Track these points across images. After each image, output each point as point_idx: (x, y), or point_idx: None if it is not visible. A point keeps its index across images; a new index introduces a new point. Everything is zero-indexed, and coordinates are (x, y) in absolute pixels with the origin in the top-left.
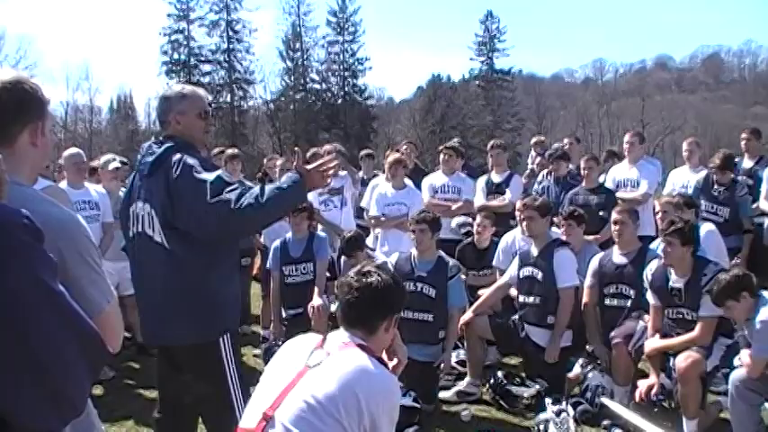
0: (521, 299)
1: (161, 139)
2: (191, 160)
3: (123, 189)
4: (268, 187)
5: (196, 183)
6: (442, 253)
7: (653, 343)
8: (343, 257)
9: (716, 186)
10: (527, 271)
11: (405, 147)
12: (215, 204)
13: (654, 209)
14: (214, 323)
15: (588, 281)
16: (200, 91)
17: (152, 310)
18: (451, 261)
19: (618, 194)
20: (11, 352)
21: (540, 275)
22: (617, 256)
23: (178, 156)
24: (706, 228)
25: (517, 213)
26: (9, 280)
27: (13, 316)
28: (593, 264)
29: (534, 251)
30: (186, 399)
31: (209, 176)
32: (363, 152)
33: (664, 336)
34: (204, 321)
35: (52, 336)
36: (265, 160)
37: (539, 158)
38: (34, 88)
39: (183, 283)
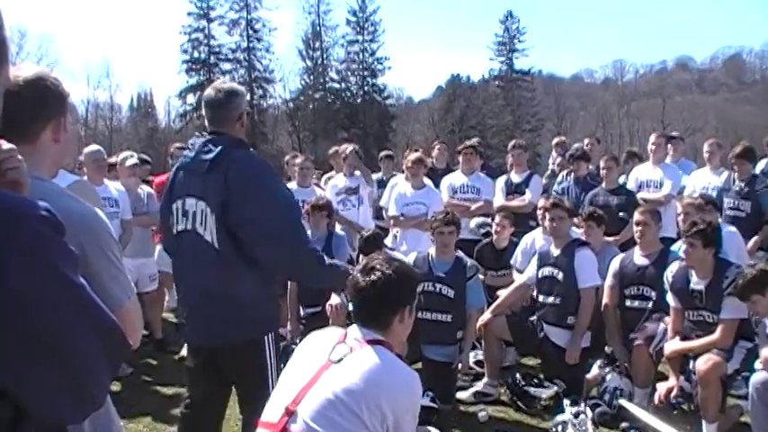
0: (540, 299)
1: (212, 136)
2: (261, 166)
3: (142, 186)
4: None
5: (273, 199)
6: (460, 253)
7: (673, 345)
8: (361, 256)
9: (737, 182)
10: (547, 271)
11: (438, 146)
12: (292, 234)
13: (676, 210)
14: (262, 322)
15: (609, 281)
16: None
17: (201, 309)
18: (470, 261)
19: (640, 195)
20: (30, 344)
21: (560, 275)
22: (638, 258)
23: (241, 152)
24: (727, 229)
25: (539, 212)
26: (28, 272)
27: (32, 308)
28: (614, 264)
29: (555, 251)
30: (219, 398)
31: (288, 200)
32: (383, 153)
33: (684, 338)
34: (253, 321)
35: (72, 328)
36: (287, 157)
37: (559, 159)
38: (55, 84)
39: (233, 283)
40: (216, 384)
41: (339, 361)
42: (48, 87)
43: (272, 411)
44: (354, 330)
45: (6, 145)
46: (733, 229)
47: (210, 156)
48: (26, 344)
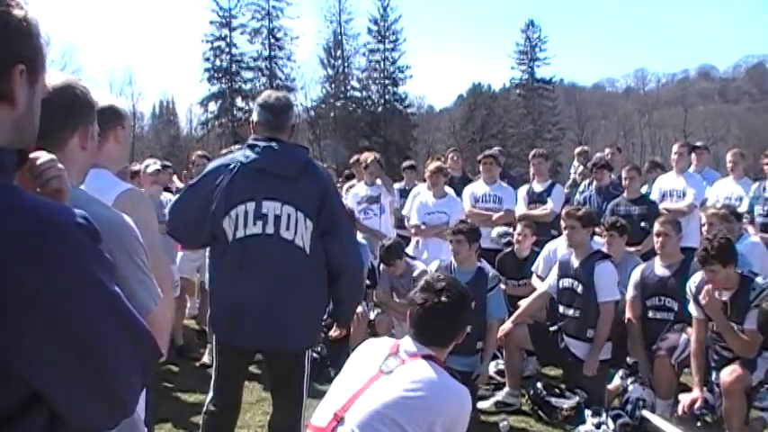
0: (560, 309)
1: (278, 142)
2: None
3: (166, 193)
4: None
5: (343, 208)
6: (483, 263)
7: (719, 311)
8: (382, 265)
9: (767, 189)
10: (567, 282)
11: (452, 155)
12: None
13: (700, 220)
14: (317, 332)
15: (630, 293)
16: None
17: (276, 314)
18: (492, 272)
19: (663, 205)
20: (66, 350)
21: (579, 288)
22: (659, 268)
23: (318, 164)
24: (749, 240)
25: (562, 222)
26: (65, 280)
27: (69, 316)
28: (635, 275)
29: (575, 262)
30: (240, 405)
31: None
32: (406, 164)
33: (707, 349)
34: (315, 329)
35: (108, 336)
36: None
37: (581, 168)
38: (84, 92)
39: (316, 291)
40: (239, 391)
41: (390, 372)
42: (76, 95)
43: (321, 416)
44: (408, 344)
45: (47, 155)
46: (756, 239)
47: (301, 161)
48: (63, 350)
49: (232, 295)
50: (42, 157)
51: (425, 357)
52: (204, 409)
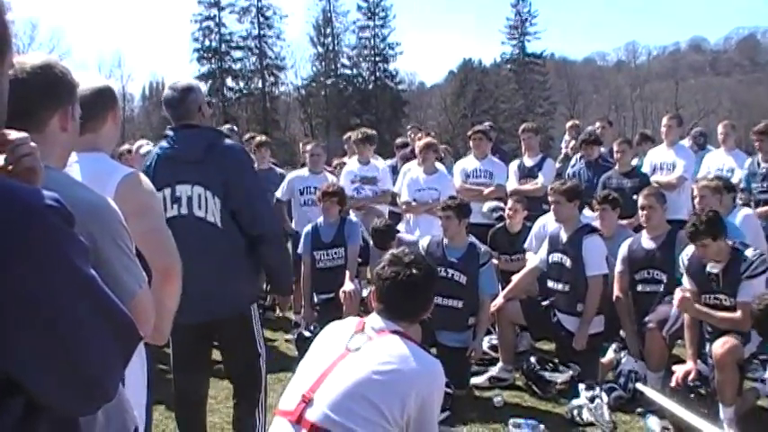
0: (550, 284)
1: (189, 128)
2: (246, 154)
3: None
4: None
5: (258, 183)
6: (473, 239)
7: (694, 308)
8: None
9: (762, 165)
10: (556, 257)
11: (443, 149)
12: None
13: (692, 192)
14: (252, 292)
15: (618, 267)
16: None
17: (204, 287)
18: (483, 248)
19: (654, 178)
20: (43, 336)
21: (568, 262)
22: (646, 241)
23: (228, 142)
24: (743, 212)
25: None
26: (38, 263)
27: (42, 300)
28: (623, 250)
29: (564, 237)
30: (206, 380)
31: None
32: (398, 140)
33: (699, 323)
34: (247, 292)
35: (83, 320)
36: (301, 144)
37: (573, 142)
38: (64, 72)
39: (234, 260)
40: (204, 364)
41: (357, 350)
42: (56, 75)
43: (288, 399)
44: (375, 320)
45: (18, 133)
46: (749, 211)
47: (204, 144)
48: (39, 336)
49: None
50: (14, 133)
51: (394, 333)
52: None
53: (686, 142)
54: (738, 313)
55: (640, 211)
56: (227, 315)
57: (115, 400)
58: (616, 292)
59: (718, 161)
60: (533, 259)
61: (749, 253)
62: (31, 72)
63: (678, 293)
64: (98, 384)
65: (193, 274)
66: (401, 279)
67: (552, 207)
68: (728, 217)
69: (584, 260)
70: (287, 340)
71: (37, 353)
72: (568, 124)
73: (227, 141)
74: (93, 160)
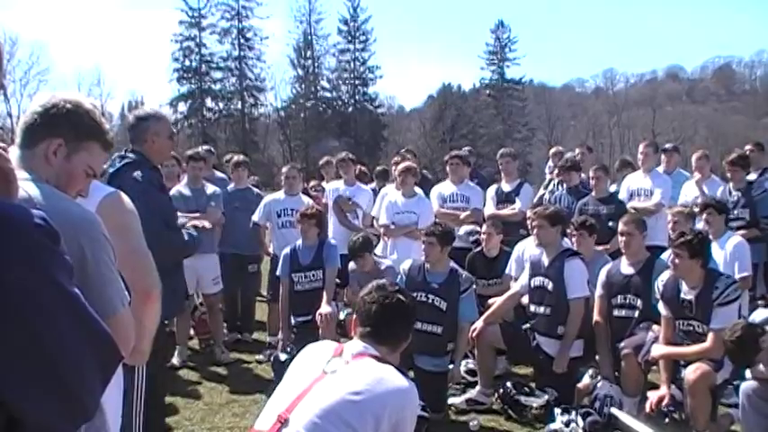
0: (531, 308)
1: (127, 153)
2: (146, 180)
3: None
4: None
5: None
6: (454, 265)
7: (661, 349)
8: (350, 263)
9: (732, 192)
10: (538, 281)
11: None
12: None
13: (667, 219)
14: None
15: (598, 291)
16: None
17: None
18: (464, 274)
19: (631, 204)
20: (25, 352)
21: (550, 286)
22: (625, 267)
23: (137, 173)
24: (734, 240)
25: (529, 222)
26: (22, 280)
27: (26, 316)
28: (602, 275)
29: (545, 261)
30: None
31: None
32: (379, 168)
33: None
34: None
35: (65, 337)
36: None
37: (557, 170)
38: (77, 111)
39: None
40: None
41: (333, 372)
42: (67, 109)
43: (264, 420)
44: (355, 345)
45: None
46: (740, 238)
47: (111, 170)
48: (21, 352)
49: None
50: None
51: (372, 357)
52: None
53: (661, 168)
54: (709, 341)
55: (620, 237)
56: None
57: (97, 420)
58: (595, 316)
59: (694, 190)
60: (515, 285)
61: (721, 281)
62: (52, 101)
63: (656, 349)
64: (78, 401)
65: None
66: (389, 302)
67: (535, 231)
68: (720, 239)
69: (565, 283)
70: (258, 361)
71: (21, 368)
72: (552, 150)
73: (134, 173)
74: None
